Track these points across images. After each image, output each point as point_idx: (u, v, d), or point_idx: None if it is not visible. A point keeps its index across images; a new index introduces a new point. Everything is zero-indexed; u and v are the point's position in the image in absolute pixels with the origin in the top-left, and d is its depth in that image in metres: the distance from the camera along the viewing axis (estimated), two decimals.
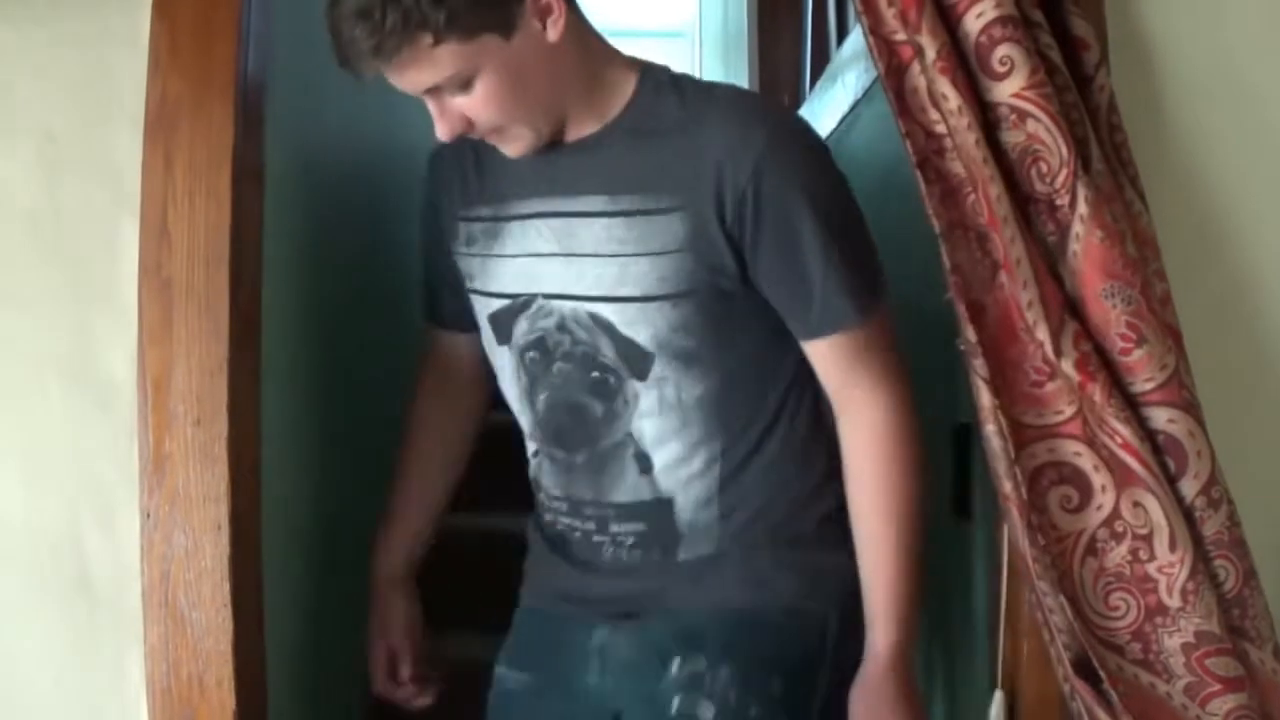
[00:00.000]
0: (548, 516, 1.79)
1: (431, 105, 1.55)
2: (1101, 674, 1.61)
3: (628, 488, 1.69)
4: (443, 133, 1.57)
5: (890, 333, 1.66)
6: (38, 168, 1.75)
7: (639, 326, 1.61)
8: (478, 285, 1.73)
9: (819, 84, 3.78)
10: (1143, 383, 1.61)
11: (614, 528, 1.71)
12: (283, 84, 1.84)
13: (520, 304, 1.67)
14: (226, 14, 1.68)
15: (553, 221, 1.63)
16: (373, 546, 1.94)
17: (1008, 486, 1.64)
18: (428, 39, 1.46)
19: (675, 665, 1.64)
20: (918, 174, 1.67)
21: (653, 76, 1.65)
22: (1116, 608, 1.64)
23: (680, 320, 1.60)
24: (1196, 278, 1.78)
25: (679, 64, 1.75)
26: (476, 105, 1.53)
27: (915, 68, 1.65)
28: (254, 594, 1.75)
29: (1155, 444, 1.61)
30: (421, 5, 1.44)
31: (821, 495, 1.71)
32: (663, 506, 1.68)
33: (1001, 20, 1.59)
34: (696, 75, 2.76)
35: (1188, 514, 1.62)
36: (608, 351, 1.63)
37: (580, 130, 1.62)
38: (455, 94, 1.53)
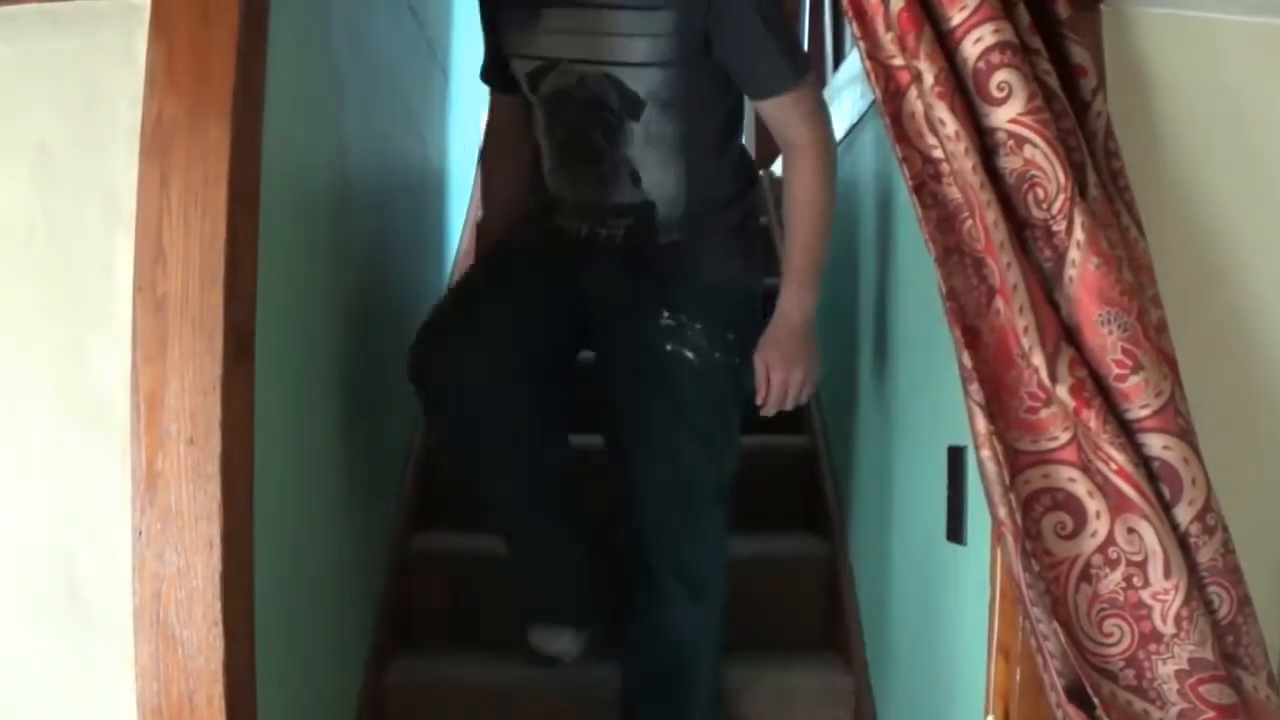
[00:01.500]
0: (556, 218, 2.51)
1: None
2: (1095, 700, 1.61)
3: (623, 193, 2.42)
4: None
5: (815, 99, 2.39)
6: (32, 183, 1.74)
7: (638, 83, 2.30)
8: (521, 52, 2.40)
9: None
10: (1138, 409, 1.61)
11: (610, 222, 2.46)
12: (279, 103, 1.84)
13: (550, 65, 2.36)
14: (223, 33, 1.68)
15: (576, 10, 2.30)
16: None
17: (1002, 512, 1.64)
18: None
19: (664, 316, 2.35)
20: (914, 199, 1.67)
21: None
22: (1110, 634, 1.64)
23: (666, 79, 2.30)
24: (1192, 304, 1.79)
25: None
26: None
27: (913, 92, 1.65)
28: (245, 613, 1.74)
29: (1150, 470, 1.61)
30: None
31: (740, 200, 2.52)
32: (647, 206, 2.43)
33: (999, 46, 1.60)
34: None
35: (1182, 541, 1.62)
36: (613, 100, 2.32)
37: None
38: None
